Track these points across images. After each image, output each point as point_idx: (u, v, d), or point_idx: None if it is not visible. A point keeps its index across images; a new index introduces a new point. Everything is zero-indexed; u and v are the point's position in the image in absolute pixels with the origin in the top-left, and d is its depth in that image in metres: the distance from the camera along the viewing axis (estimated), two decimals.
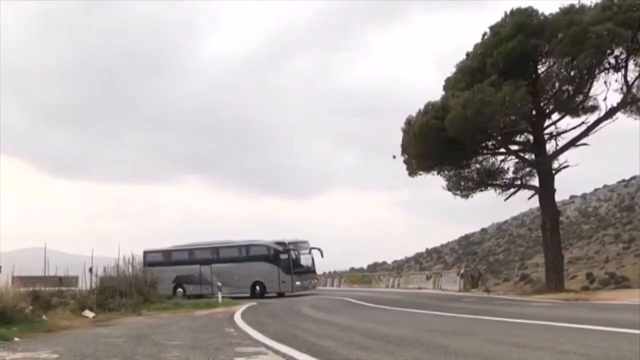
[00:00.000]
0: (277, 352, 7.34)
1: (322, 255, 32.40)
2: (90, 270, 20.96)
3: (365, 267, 77.03)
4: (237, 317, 14.77)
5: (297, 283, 30.16)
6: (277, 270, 30.49)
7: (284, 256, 30.50)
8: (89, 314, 15.84)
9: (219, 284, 30.32)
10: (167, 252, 35.31)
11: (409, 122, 25.81)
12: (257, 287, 30.80)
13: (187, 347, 8.28)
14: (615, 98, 22.72)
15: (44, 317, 13.65)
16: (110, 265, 21.40)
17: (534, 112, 24.06)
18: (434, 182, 27.70)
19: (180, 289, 33.04)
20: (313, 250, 32.27)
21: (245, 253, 32.22)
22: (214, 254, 33.22)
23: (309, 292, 31.09)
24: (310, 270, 32.22)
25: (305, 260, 31.76)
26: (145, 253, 33.51)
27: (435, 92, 26.11)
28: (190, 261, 33.89)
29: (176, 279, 33.31)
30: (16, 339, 9.98)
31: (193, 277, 33.20)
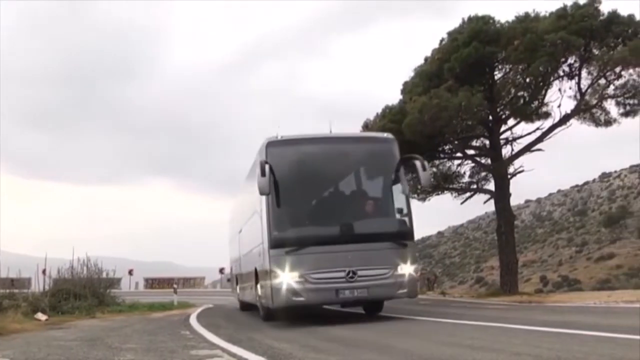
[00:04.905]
0: (232, 355, 7.28)
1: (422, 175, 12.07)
2: (44, 271, 20.47)
3: None
4: (193, 320, 14.63)
5: (275, 280, 11.23)
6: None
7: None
8: (41, 316, 15.44)
9: (175, 285, 29.61)
10: None
11: (366, 125, 25.93)
12: None
13: (141, 350, 8.16)
14: (569, 105, 23.21)
15: None
16: (65, 267, 20.89)
17: (490, 118, 24.38)
18: None
19: None
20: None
21: None
22: None
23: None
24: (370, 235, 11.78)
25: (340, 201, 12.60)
26: None
27: None
28: None
29: None
30: None
31: None
